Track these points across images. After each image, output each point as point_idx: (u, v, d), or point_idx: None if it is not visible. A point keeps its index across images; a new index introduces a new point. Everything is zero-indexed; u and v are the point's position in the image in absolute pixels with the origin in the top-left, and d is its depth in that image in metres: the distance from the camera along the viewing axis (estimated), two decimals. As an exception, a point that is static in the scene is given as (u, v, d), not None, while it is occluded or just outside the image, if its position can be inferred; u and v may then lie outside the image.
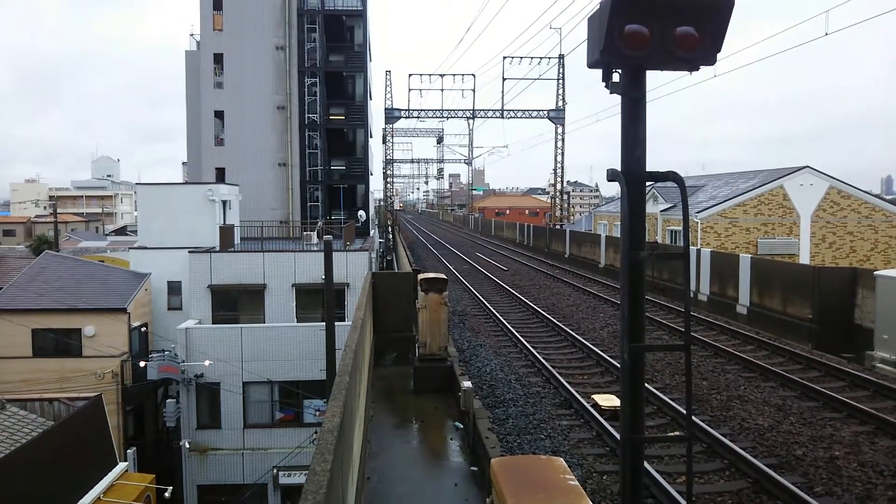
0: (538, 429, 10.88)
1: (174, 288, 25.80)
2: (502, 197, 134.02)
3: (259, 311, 23.86)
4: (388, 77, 59.28)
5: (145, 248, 26.72)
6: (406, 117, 49.98)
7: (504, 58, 46.52)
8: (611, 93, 3.49)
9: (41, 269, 25.26)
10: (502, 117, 48.27)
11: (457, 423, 11.86)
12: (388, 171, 65.68)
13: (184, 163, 54.78)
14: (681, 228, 35.02)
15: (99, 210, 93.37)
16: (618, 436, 9.66)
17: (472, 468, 9.89)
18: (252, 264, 23.88)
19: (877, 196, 37.40)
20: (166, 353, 22.50)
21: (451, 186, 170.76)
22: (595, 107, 74.91)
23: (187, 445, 21.54)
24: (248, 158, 36.62)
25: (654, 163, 3.55)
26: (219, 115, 36.97)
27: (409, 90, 48.92)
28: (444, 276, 14.56)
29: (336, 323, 15.43)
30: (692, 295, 23.44)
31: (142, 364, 22.04)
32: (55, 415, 16.49)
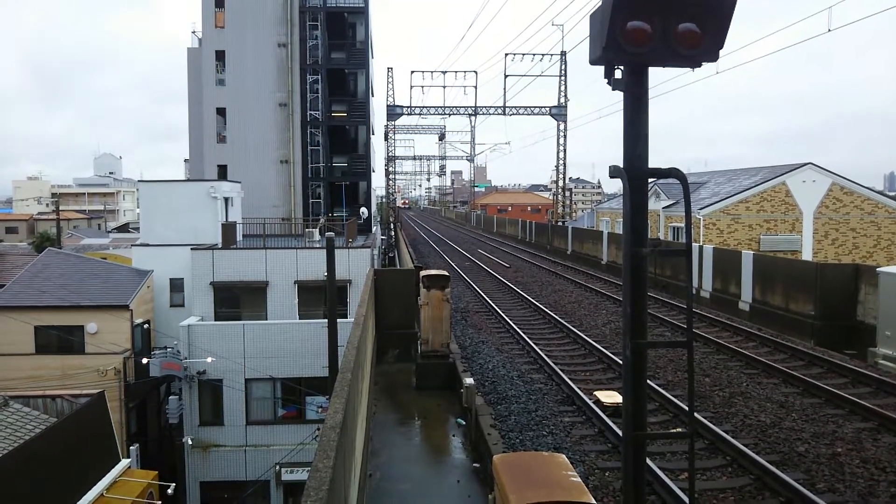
0: (540, 425, 10.88)
1: (176, 285, 25.84)
2: (504, 194, 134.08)
3: (261, 308, 23.89)
4: (389, 74, 59.22)
5: (147, 245, 26.76)
6: (408, 114, 49.92)
7: (506, 54, 46.48)
8: (613, 89, 3.49)
9: (44, 266, 25.31)
10: (504, 114, 48.22)
11: (459, 420, 11.88)
12: (391, 168, 65.65)
13: (186, 160, 54.81)
14: (683, 225, 34.99)
15: (101, 207, 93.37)
16: (620, 432, 9.66)
17: (475, 465, 9.91)
18: (254, 261, 23.90)
19: (880, 192, 37.38)
20: (169, 349, 22.54)
21: (453, 183, 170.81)
22: (597, 103, 74.89)
23: (190, 442, 21.59)
24: (250, 155, 36.63)
25: (657, 159, 3.56)
26: (221, 112, 36.97)
27: (411, 87, 48.87)
28: (447, 273, 14.57)
29: (338, 320, 15.43)
30: (694, 292, 23.43)
31: (144, 361, 22.08)
32: (58, 411, 16.52)
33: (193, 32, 40.00)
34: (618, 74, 3.46)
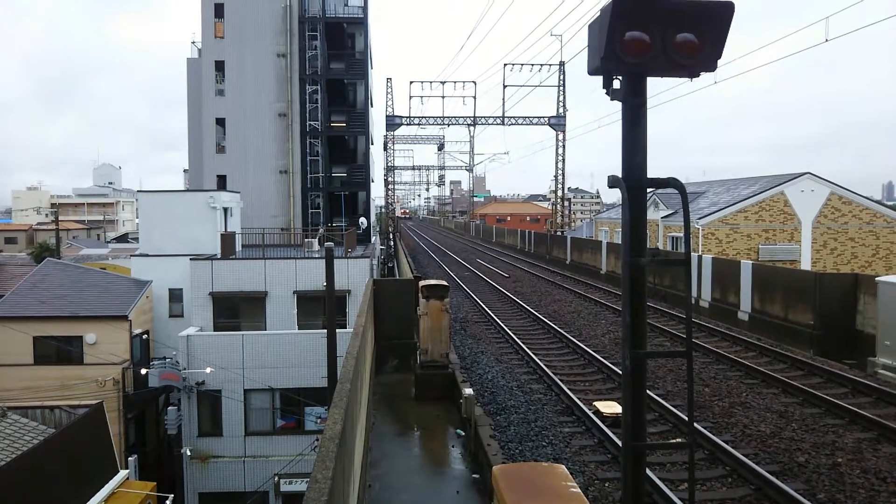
0: (540, 436, 10.86)
1: (175, 295, 25.80)
2: (503, 203, 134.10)
3: (260, 319, 23.84)
4: (389, 84, 59.47)
5: (147, 255, 26.73)
6: (407, 124, 50.10)
7: (505, 65, 46.74)
8: (611, 99, 3.50)
9: (43, 276, 25.28)
10: (503, 124, 48.39)
11: (458, 431, 11.85)
12: (390, 178, 65.73)
13: (185, 170, 54.84)
14: (682, 235, 34.97)
15: (100, 217, 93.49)
16: (619, 443, 9.64)
17: (474, 475, 9.87)
18: (253, 271, 23.87)
19: (878, 202, 37.37)
20: (167, 360, 22.48)
21: (452, 193, 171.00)
22: (596, 113, 75.23)
23: (188, 453, 21.49)
24: (249, 165, 36.67)
25: (658, 169, 3.56)
26: (220, 122, 37.03)
27: (410, 97, 49.13)
28: (446, 283, 14.56)
29: (337, 330, 15.40)
30: (694, 301, 23.41)
31: (143, 371, 22.00)
32: (56, 422, 16.46)
33: (193, 42, 40.12)
34: (616, 84, 3.47)
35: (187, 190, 40.46)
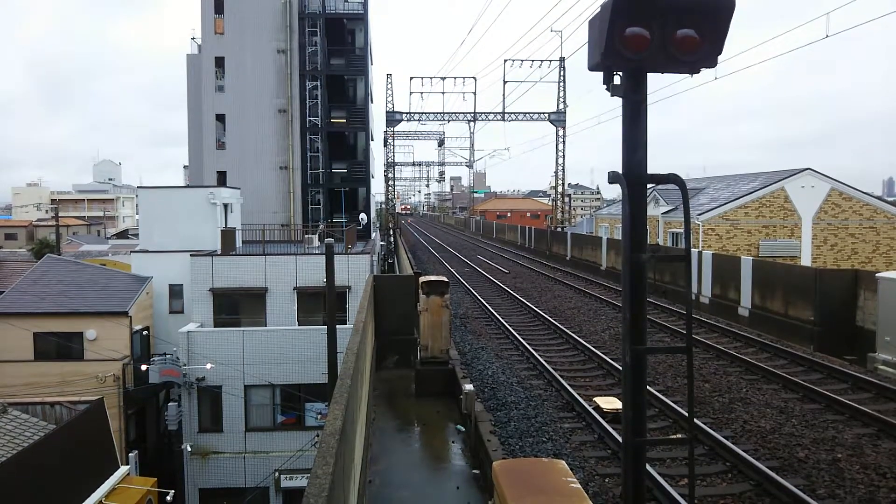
0: (540, 432, 10.86)
1: (176, 291, 25.82)
2: (503, 199, 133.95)
3: (260, 315, 23.86)
4: (389, 80, 59.38)
5: (147, 251, 26.74)
6: (407, 120, 50.07)
7: (505, 61, 46.64)
8: (612, 95, 3.49)
9: (43, 272, 25.29)
10: (503, 120, 48.34)
11: (458, 426, 11.86)
12: (390, 174, 65.72)
13: (185, 166, 54.76)
14: (682, 231, 35.00)
15: (100, 213, 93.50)
16: (620, 438, 9.64)
17: (474, 471, 9.88)
18: (254, 267, 23.89)
19: (878, 198, 37.33)
20: (168, 356, 22.51)
21: (452, 189, 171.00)
22: (596, 109, 75.09)
23: (189, 449, 21.54)
24: (249, 162, 36.66)
25: (658, 165, 3.55)
26: (220, 118, 37.02)
27: (411, 93, 49.03)
28: (446, 279, 14.55)
29: (337, 326, 15.41)
30: (694, 297, 23.41)
31: (143, 367, 22.04)
32: (57, 418, 16.49)
33: (193, 39, 40.08)
34: (616, 80, 3.46)
35: (187, 186, 40.44)
